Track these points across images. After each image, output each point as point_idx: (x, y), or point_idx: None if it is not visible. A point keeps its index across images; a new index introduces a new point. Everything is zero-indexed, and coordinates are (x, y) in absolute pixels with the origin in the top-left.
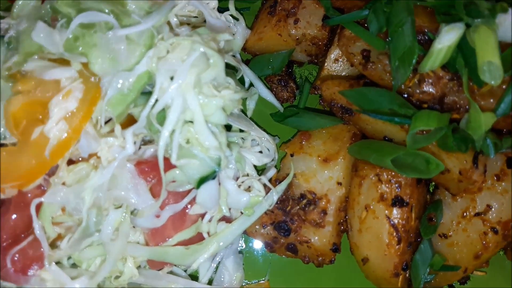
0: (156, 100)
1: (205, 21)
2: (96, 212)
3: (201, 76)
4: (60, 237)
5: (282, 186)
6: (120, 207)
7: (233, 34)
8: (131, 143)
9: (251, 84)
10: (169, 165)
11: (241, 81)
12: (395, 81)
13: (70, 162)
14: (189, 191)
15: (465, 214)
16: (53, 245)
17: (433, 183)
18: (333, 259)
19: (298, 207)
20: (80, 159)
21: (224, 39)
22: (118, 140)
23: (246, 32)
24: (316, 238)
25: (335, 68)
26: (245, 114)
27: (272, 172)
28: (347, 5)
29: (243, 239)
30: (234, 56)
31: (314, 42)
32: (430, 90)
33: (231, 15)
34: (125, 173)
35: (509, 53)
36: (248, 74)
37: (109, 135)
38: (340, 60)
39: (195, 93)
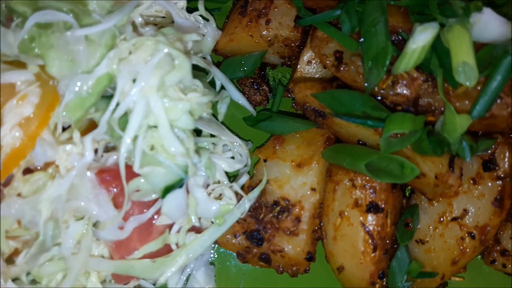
0: (118, 104)
1: (173, 21)
2: (54, 225)
3: (166, 78)
4: (17, 252)
5: (255, 193)
6: (82, 219)
7: (203, 35)
8: (91, 150)
9: (223, 87)
10: (132, 174)
11: (212, 84)
12: (368, 83)
13: (28, 171)
14: (155, 200)
15: (442, 219)
16: (9, 260)
17: (409, 187)
18: (307, 268)
19: (271, 214)
20: (39, 167)
21: (192, 40)
22: (77, 147)
23: (216, 33)
24: (290, 247)
25: (308, 70)
26: (216, 118)
27: (244, 179)
28: (319, 5)
29: (215, 249)
30: (204, 58)
31: (286, 43)
32: (404, 92)
33: (201, 16)
34: (85, 183)
35: (484, 54)
36: (219, 77)
37: (68, 142)
38: (313, 62)
39: (159, 96)
